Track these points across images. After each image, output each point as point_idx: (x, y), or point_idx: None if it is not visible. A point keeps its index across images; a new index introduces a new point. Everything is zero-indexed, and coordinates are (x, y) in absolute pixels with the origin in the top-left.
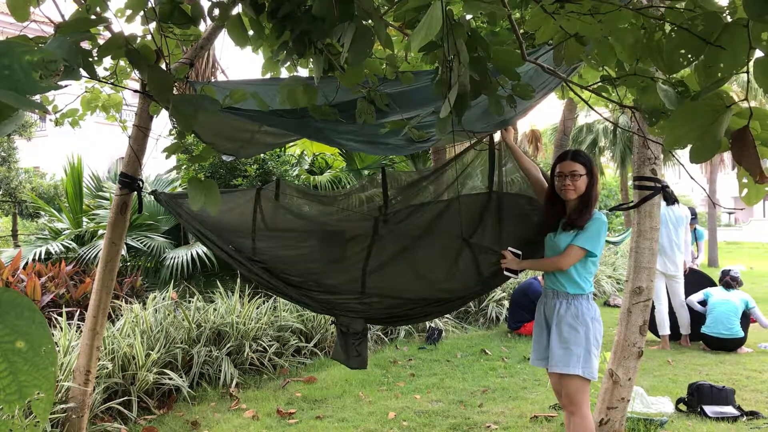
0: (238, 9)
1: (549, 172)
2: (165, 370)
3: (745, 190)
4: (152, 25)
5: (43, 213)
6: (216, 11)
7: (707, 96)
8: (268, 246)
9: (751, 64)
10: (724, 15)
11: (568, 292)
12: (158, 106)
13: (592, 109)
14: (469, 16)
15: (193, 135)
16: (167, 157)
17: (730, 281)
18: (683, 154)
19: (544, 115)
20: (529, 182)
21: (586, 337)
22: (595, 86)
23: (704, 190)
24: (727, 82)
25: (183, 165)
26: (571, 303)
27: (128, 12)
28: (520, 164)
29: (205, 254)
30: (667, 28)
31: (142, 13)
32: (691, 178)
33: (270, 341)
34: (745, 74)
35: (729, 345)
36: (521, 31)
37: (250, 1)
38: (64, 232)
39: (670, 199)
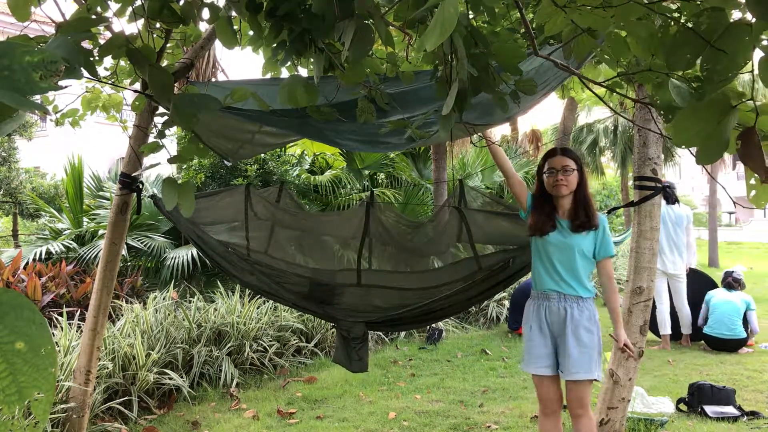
0: (233, 11)
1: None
2: (165, 370)
3: (753, 192)
4: (140, 22)
5: (43, 213)
6: (205, 11)
7: (713, 96)
8: (260, 244)
9: (755, 63)
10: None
11: (580, 295)
12: (141, 102)
13: (607, 105)
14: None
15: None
16: (146, 155)
17: (732, 282)
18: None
19: (544, 115)
20: (504, 176)
21: (599, 339)
22: (609, 82)
23: (727, 194)
24: (730, 83)
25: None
26: (583, 306)
27: (117, 6)
28: (494, 156)
29: None
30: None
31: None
32: (717, 182)
33: (270, 341)
34: (748, 74)
35: (730, 345)
36: (523, 30)
37: (248, 0)
38: (65, 232)
39: (671, 199)
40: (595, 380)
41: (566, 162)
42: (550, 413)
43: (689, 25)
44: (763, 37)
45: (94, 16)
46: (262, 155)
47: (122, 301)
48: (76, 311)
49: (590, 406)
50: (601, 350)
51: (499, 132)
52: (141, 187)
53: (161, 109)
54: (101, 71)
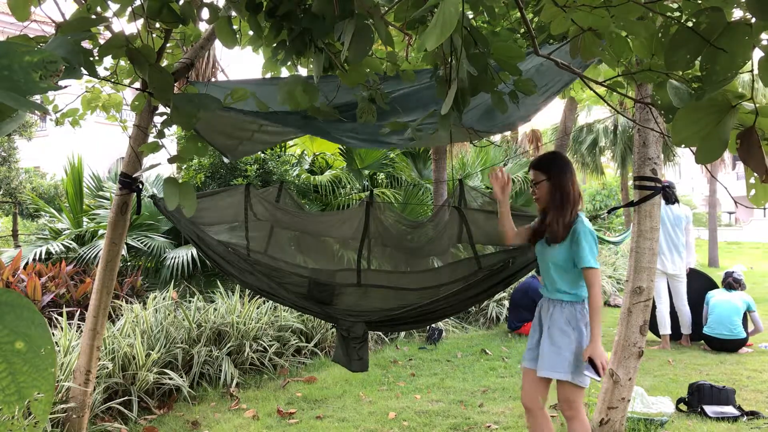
0: (233, 11)
1: None
2: (165, 370)
3: (753, 191)
4: (140, 22)
5: (43, 213)
6: (205, 11)
7: (712, 96)
8: (260, 244)
9: (755, 63)
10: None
11: (561, 300)
12: (141, 102)
13: (608, 105)
14: (469, 14)
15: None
16: (145, 155)
17: (732, 283)
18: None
19: (544, 115)
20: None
21: (578, 342)
22: (610, 82)
23: (728, 192)
24: (729, 83)
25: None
26: (564, 307)
27: (117, 6)
28: (501, 217)
29: None
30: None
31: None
32: (717, 180)
33: (270, 341)
34: (747, 74)
35: (730, 346)
36: (523, 30)
37: (248, 0)
38: (65, 232)
39: (670, 199)
40: (579, 384)
41: (533, 176)
42: (528, 409)
43: (689, 24)
44: (763, 36)
45: (94, 16)
46: (262, 155)
47: (122, 301)
48: (76, 311)
49: (582, 409)
50: (581, 354)
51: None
52: (141, 187)
53: (161, 109)
54: (101, 71)
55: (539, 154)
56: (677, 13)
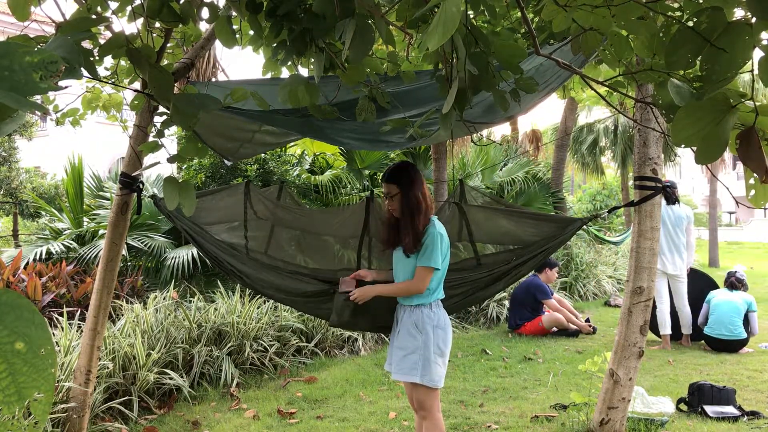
0: (233, 11)
1: (552, 170)
2: (166, 370)
3: (753, 191)
4: (140, 22)
5: (43, 213)
6: (205, 11)
7: (712, 95)
8: (260, 244)
9: (755, 63)
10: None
11: (412, 304)
12: (140, 101)
13: (609, 104)
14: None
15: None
16: (144, 155)
17: (735, 282)
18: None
19: (545, 115)
20: None
21: (425, 345)
22: (611, 81)
23: (729, 193)
24: (730, 83)
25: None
26: (413, 311)
27: (115, 5)
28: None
29: None
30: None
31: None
32: (718, 180)
33: (271, 341)
34: (747, 74)
35: (731, 346)
36: (523, 30)
37: (248, 0)
38: (65, 232)
39: (671, 199)
40: (427, 386)
41: (387, 188)
42: (415, 411)
43: (689, 24)
44: (763, 36)
45: (94, 16)
46: (262, 155)
47: (122, 301)
48: (77, 311)
49: (435, 409)
50: (432, 356)
51: (499, 132)
52: (141, 187)
53: (161, 109)
54: (101, 71)
55: (391, 166)
56: (678, 13)
